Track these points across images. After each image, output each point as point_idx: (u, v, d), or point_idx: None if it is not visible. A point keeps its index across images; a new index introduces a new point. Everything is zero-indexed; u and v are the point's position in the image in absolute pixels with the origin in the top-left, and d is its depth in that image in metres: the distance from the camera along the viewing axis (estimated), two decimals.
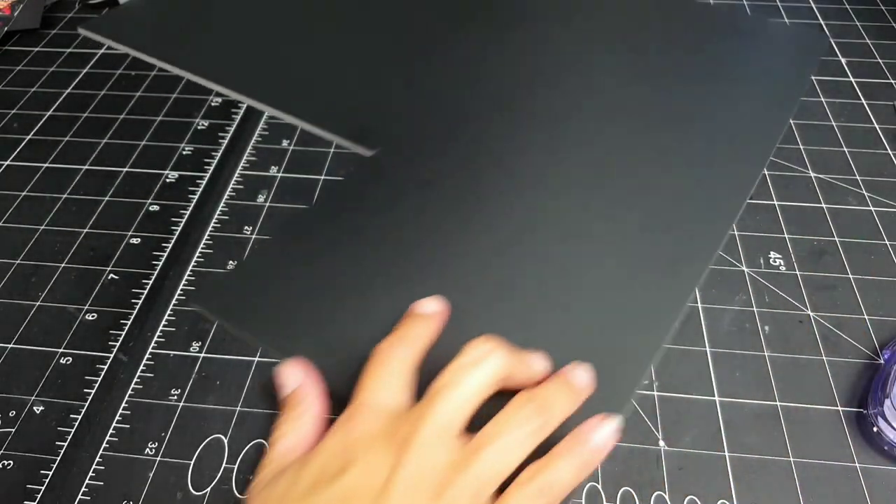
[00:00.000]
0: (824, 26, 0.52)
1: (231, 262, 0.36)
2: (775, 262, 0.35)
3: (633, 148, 0.37)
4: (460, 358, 0.23)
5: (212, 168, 0.41)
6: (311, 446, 0.23)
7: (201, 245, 0.36)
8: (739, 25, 0.46)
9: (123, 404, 0.30)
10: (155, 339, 0.32)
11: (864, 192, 0.39)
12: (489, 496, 0.21)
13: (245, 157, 0.42)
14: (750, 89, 0.41)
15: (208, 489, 0.27)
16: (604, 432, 0.23)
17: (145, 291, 0.34)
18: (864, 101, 0.45)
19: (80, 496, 0.27)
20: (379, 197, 0.33)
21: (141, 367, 0.31)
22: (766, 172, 0.39)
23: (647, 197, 0.33)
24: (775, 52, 0.44)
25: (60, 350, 0.32)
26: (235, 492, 0.27)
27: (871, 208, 0.38)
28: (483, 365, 0.23)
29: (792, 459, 0.27)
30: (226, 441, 0.29)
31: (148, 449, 0.28)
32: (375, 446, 0.21)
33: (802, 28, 0.45)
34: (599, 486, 0.27)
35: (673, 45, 0.45)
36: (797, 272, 0.34)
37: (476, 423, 0.22)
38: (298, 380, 0.25)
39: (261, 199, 0.39)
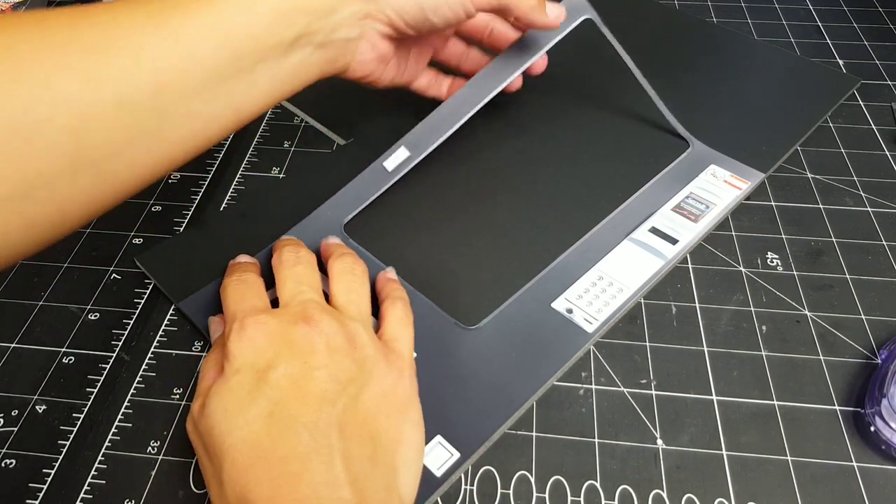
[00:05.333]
0: (822, 28, 0.52)
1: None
2: (772, 262, 0.35)
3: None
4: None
5: (214, 169, 0.42)
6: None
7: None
8: (771, 59, 0.48)
9: (126, 403, 0.30)
10: (157, 338, 0.33)
11: (861, 192, 0.39)
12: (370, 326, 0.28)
13: (247, 158, 0.42)
14: (760, 118, 0.42)
15: None
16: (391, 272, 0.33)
17: (147, 291, 0.35)
18: (861, 103, 0.45)
19: (82, 494, 0.27)
20: (332, 178, 0.39)
21: (143, 367, 0.31)
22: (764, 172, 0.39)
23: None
24: (796, 88, 0.45)
25: (63, 349, 0.32)
26: None
27: (869, 209, 0.38)
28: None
29: (789, 458, 0.28)
30: None
31: (150, 448, 0.28)
32: (277, 336, 0.26)
33: (828, 68, 0.47)
34: (598, 485, 0.27)
35: (697, 69, 0.47)
36: (794, 272, 0.35)
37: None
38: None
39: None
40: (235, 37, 0.27)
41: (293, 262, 0.30)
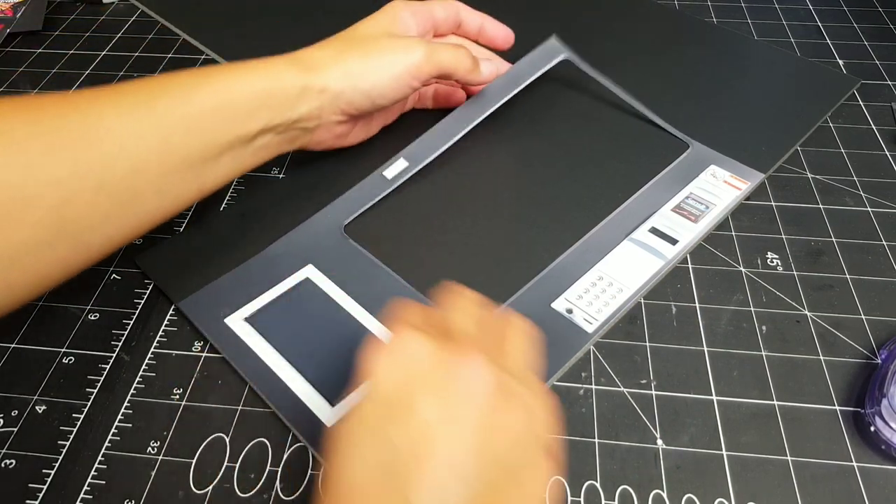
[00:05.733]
0: (822, 28, 0.52)
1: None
2: (772, 262, 0.35)
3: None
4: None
5: None
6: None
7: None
8: (774, 59, 0.48)
9: (125, 403, 0.30)
10: (157, 338, 0.33)
11: (861, 192, 0.39)
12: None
13: None
14: (760, 118, 0.42)
15: (210, 488, 0.27)
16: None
17: (147, 291, 0.35)
18: (861, 103, 0.45)
19: (82, 495, 0.27)
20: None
21: (143, 367, 0.31)
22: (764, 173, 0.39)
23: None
24: (796, 88, 0.45)
25: (63, 350, 0.32)
26: (237, 490, 0.27)
27: (869, 209, 0.38)
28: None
29: (789, 458, 0.28)
30: (227, 440, 0.29)
31: (150, 448, 0.28)
32: (429, 375, 0.22)
33: (828, 69, 0.47)
34: (598, 485, 0.27)
35: (698, 69, 0.47)
36: (794, 272, 0.35)
37: None
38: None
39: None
40: (207, 128, 0.30)
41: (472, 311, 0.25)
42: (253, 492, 0.27)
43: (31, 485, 0.28)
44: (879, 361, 0.30)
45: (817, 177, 0.40)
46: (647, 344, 0.32)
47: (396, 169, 0.38)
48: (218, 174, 0.32)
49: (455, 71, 0.37)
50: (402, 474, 0.20)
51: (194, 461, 0.28)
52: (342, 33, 0.37)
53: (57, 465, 0.28)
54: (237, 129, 0.31)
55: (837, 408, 0.29)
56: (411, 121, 0.42)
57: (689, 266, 0.35)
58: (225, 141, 0.31)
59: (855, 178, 0.40)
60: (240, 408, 0.30)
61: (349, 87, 0.34)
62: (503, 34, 0.41)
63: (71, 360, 0.32)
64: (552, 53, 0.41)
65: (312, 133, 0.36)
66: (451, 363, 0.21)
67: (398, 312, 0.24)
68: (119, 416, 0.30)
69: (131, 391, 0.31)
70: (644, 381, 0.30)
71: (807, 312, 0.33)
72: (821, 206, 0.38)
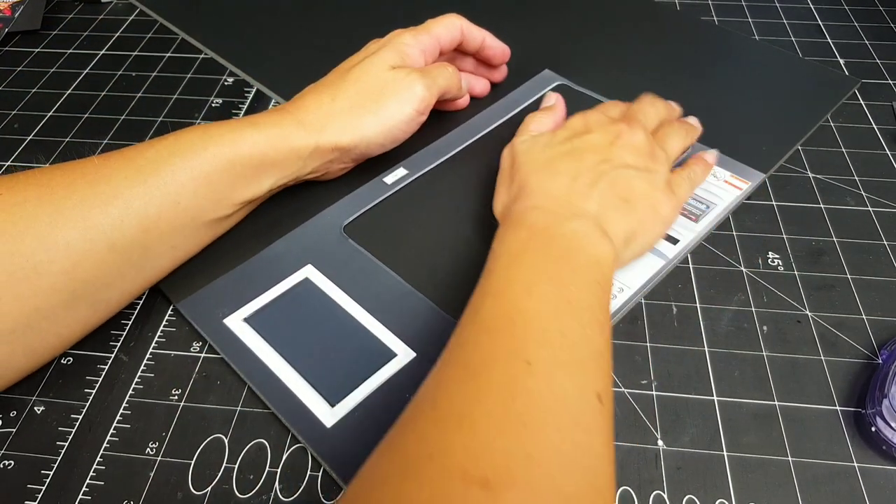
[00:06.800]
0: (823, 27, 0.52)
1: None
2: (773, 262, 0.35)
3: None
4: (635, 105, 0.37)
5: None
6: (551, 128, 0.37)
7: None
8: (773, 59, 0.48)
9: (124, 404, 0.30)
10: (156, 339, 0.32)
11: (862, 192, 0.39)
12: (670, 165, 0.34)
13: None
14: (760, 118, 0.42)
15: (209, 489, 0.27)
16: (712, 155, 0.37)
17: (146, 291, 0.35)
18: (862, 102, 0.45)
19: (80, 496, 0.27)
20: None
21: (142, 367, 0.31)
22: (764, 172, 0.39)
23: None
24: (797, 88, 0.45)
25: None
26: (236, 491, 0.27)
27: (870, 209, 0.38)
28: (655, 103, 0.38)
29: (790, 459, 0.28)
30: (226, 441, 0.29)
31: (149, 449, 0.28)
32: (606, 124, 0.35)
33: (828, 70, 0.47)
34: None
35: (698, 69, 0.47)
36: (795, 272, 0.35)
37: None
38: (556, 98, 0.40)
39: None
40: (215, 189, 0.31)
41: (651, 113, 0.37)
42: (252, 493, 0.27)
43: (29, 485, 0.27)
44: (880, 361, 0.30)
45: (818, 176, 0.40)
46: (648, 344, 0.32)
47: (396, 175, 0.39)
48: (231, 222, 0.35)
49: (449, 90, 0.39)
50: (578, 153, 0.33)
51: (193, 462, 0.28)
52: (343, 72, 0.36)
53: (55, 465, 0.28)
54: (245, 192, 0.33)
55: (838, 408, 0.29)
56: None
57: (690, 266, 0.35)
58: (237, 201, 0.33)
59: (856, 178, 0.40)
60: (239, 408, 0.30)
61: (362, 143, 0.35)
62: (501, 49, 0.42)
63: (69, 360, 0.32)
64: (547, 81, 0.45)
65: (319, 177, 0.37)
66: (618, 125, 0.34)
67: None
68: (118, 417, 0.30)
69: (130, 392, 0.30)
70: (644, 382, 0.30)
71: (808, 312, 0.33)
72: (822, 205, 0.38)
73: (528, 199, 0.31)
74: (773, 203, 0.38)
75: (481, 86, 0.44)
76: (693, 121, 0.39)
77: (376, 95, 0.35)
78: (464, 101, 0.43)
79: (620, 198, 0.31)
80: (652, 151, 0.33)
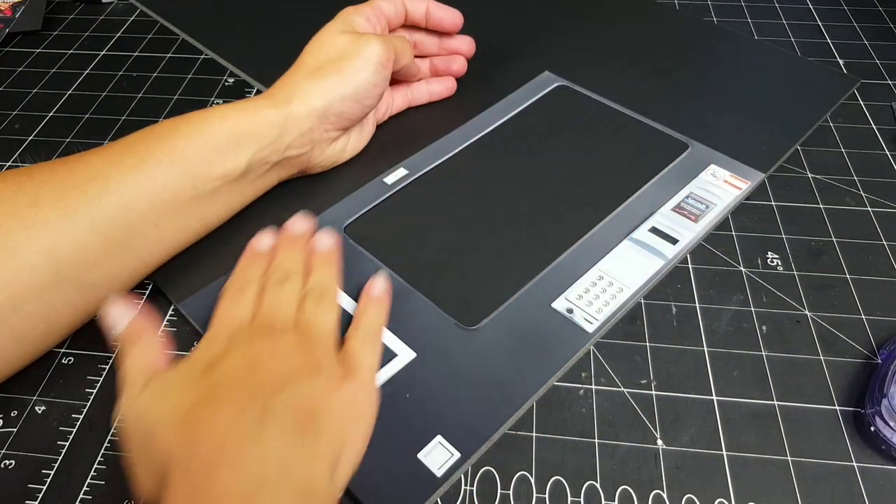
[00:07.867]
0: (822, 27, 0.52)
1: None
2: (773, 262, 0.35)
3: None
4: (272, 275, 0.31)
5: None
6: (165, 364, 0.27)
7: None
8: (772, 59, 0.48)
9: None
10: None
11: (861, 192, 0.39)
12: (332, 340, 0.28)
13: None
14: (760, 118, 0.42)
15: None
16: (379, 284, 0.32)
17: (147, 291, 0.35)
18: (861, 102, 0.45)
19: (81, 496, 0.27)
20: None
21: None
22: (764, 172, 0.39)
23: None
24: (796, 88, 0.45)
25: (62, 350, 0.32)
26: None
27: (869, 209, 0.38)
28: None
29: (789, 458, 0.28)
30: None
31: None
32: (240, 336, 0.27)
33: (827, 70, 0.47)
34: (598, 485, 0.27)
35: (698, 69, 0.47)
36: (795, 272, 0.35)
37: None
38: (128, 317, 0.28)
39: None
40: (190, 164, 0.31)
41: (282, 278, 0.30)
42: None
43: (30, 485, 0.27)
44: (879, 361, 0.30)
45: (817, 176, 0.40)
46: (648, 344, 0.32)
47: (396, 176, 0.39)
48: (219, 207, 0.34)
49: (403, 55, 0.38)
50: (222, 393, 0.24)
51: None
52: (301, 56, 0.37)
53: (56, 465, 0.28)
54: (223, 165, 0.32)
55: (837, 408, 0.29)
56: (409, 129, 0.42)
57: (690, 266, 0.35)
58: (215, 175, 0.32)
59: (855, 178, 0.40)
60: None
61: (335, 102, 0.35)
62: (450, 16, 0.41)
63: (70, 360, 0.32)
64: (546, 83, 0.45)
65: (309, 156, 0.37)
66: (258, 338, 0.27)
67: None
68: (118, 417, 0.30)
69: None
70: (644, 382, 0.30)
71: (807, 312, 0.33)
72: (821, 205, 0.38)
73: (194, 490, 0.22)
74: (773, 203, 0.38)
75: (442, 87, 0.44)
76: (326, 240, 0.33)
77: (335, 57, 0.35)
78: (447, 90, 0.44)
79: (301, 422, 0.24)
80: (306, 341, 0.27)
